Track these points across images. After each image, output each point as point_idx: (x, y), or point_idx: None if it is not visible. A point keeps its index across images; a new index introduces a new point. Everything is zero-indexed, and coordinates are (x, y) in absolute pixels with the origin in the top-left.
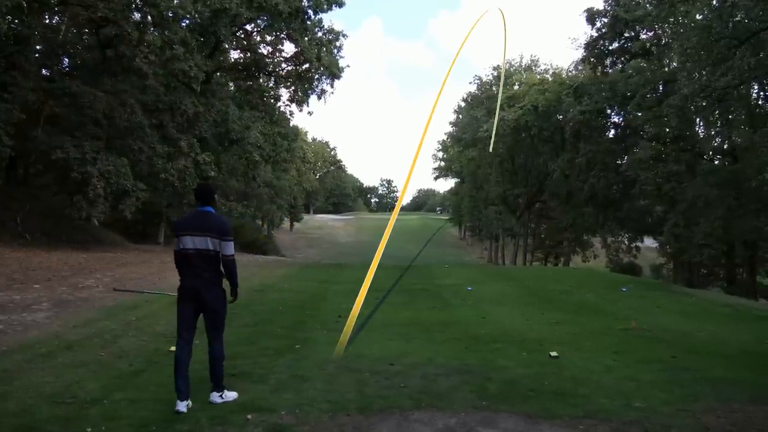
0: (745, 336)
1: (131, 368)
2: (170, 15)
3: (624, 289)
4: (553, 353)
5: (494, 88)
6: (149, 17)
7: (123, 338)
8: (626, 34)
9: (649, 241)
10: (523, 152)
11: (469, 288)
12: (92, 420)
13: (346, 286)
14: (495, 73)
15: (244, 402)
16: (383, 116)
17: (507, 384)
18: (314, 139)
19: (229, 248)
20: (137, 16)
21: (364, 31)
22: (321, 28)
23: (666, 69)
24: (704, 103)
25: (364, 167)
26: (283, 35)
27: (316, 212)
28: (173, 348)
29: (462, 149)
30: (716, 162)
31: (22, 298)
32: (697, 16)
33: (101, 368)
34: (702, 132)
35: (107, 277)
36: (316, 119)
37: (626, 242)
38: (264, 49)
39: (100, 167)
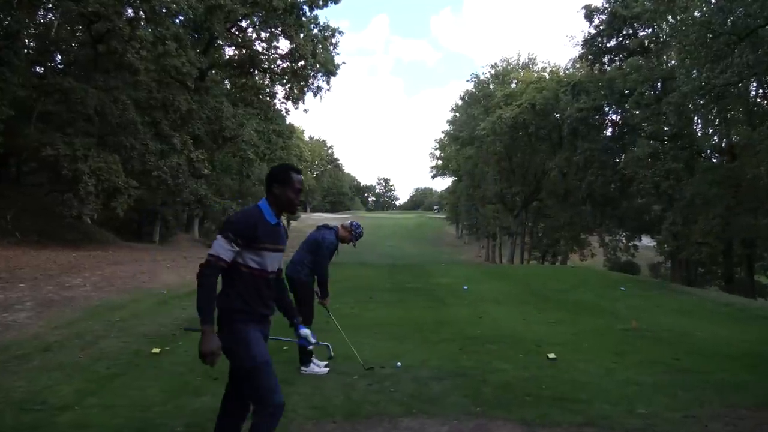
0: (748, 336)
1: (109, 371)
2: (163, 11)
3: (623, 288)
4: (551, 355)
5: (491, 86)
6: (141, 12)
7: (104, 339)
8: (624, 31)
9: (647, 240)
10: (521, 150)
11: (465, 287)
12: (60, 428)
13: (337, 285)
14: (492, 71)
15: None
16: (385, 114)
17: (502, 388)
18: (311, 138)
19: (213, 244)
20: (130, 12)
21: (372, 29)
22: (317, 24)
23: (664, 66)
24: (702, 101)
25: (362, 166)
26: (278, 31)
27: (313, 211)
28: (156, 350)
29: (459, 147)
30: (714, 160)
31: (5, 298)
32: (696, 13)
33: (77, 371)
34: (700, 130)
35: (95, 275)
36: (317, 117)
37: (624, 241)
38: (259, 46)
39: (91, 164)
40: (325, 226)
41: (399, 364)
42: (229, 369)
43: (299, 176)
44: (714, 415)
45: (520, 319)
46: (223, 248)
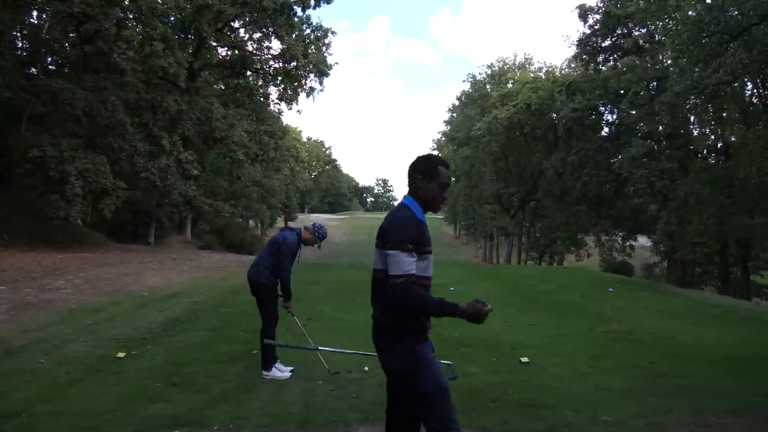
0: (731, 339)
1: (68, 377)
2: (151, 11)
3: (611, 290)
4: (524, 359)
5: (488, 87)
6: (129, 13)
7: (72, 343)
8: (619, 31)
9: (644, 240)
10: (517, 150)
11: (452, 288)
12: None
13: (325, 286)
14: (488, 72)
15: (177, 415)
16: (384, 115)
17: (468, 393)
18: (309, 139)
19: (392, 264)
20: (120, 12)
21: (371, 29)
22: (309, 25)
23: (659, 66)
24: (697, 101)
25: (361, 167)
26: (269, 32)
27: (311, 211)
28: (121, 354)
29: (456, 148)
30: (710, 160)
31: None
32: (689, 12)
33: (35, 377)
34: (697, 129)
35: (79, 278)
36: (316, 118)
37: (620, 241)
38: (250, 46)
39: (78, 166)
40: (288, 228)
41: (366, 368)
42: (392, 394)
43: (447, 170)
44: (680, 422)
45: (502, 321)
46: (407, 262)
